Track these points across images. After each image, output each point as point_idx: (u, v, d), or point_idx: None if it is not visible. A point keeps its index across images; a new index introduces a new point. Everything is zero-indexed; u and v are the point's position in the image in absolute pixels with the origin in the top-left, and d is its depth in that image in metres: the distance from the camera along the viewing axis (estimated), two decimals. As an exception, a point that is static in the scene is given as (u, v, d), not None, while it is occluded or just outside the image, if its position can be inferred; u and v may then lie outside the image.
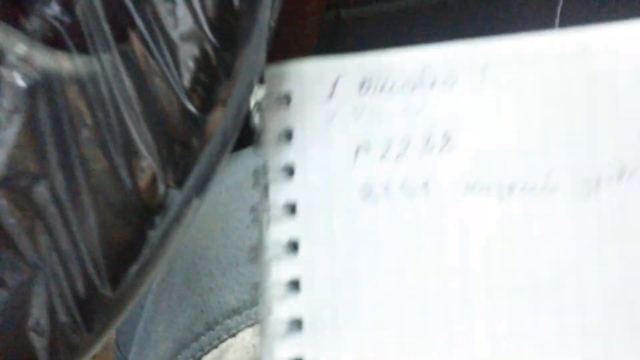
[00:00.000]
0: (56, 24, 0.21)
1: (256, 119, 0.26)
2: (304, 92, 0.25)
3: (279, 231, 0.25)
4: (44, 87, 0.21)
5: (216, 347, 0.36)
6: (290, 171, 0.25)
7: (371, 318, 0.24)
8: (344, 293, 0.25)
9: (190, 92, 0.22)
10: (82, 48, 0.21)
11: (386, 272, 0.25)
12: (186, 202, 0.24)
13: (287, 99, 0.25)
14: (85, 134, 0.22)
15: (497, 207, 0.24)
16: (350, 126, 0.25)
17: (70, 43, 0.21)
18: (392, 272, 0.24)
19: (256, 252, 0.25)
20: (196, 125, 0.23)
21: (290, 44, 0.48)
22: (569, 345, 0.24)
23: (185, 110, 0.22)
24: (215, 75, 0.23)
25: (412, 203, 0.24)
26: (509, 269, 0.24)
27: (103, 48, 0.22)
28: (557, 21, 0.54)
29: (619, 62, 0.24)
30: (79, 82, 0.22)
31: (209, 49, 0.22)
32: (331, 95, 0.25)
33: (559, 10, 0.50)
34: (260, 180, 0.26)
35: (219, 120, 0.23)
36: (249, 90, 0.24)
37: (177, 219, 0.24)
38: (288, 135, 0.25)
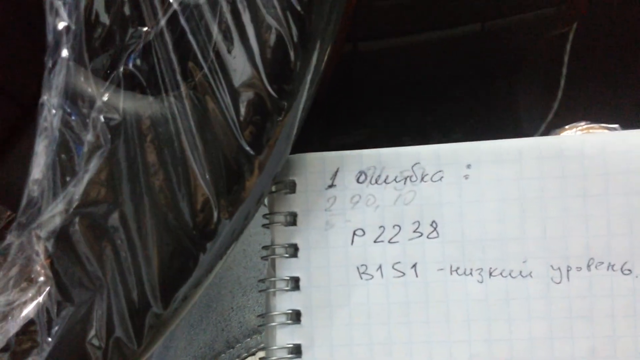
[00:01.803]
0: (135, 71, 0.24)
1: (266, 201, 0.29)
2: (308, 181, 0.29)
3: (283, 302, 0.28)
4: (124, 127, 0.24)
5: (236, 363, 0.38)
6: (294, 250, 0.29)
7: None
8: (339, 358, 0.28)
9: (244, 131, 0.25)
10: (156, 91, 0.24)
11: (377, 340, 0.28)
12: (234, 231, 0.27)
13: (292, 186, 0.29)
14: (153, 168, 0.25)
15: (478, 288, 0.27)
16: (348, 212, 0.28)
17: (147, 87, 0.24)
18: (382, 341, 0.28)
19: (263, 319, 0.29)
20: (248, 162, 0.25)
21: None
22: None
23: (240, 147, 0.25)
24: (267, 118, 0.25)
25: (402, 281, 0.28)
26: (488, 342, 0.27)
27: (173, 91, 0.24)
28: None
29: (589, 165, 0.27)
30: (152, 121, 0.24)
31: (264, 95, 0.25)
32: (331, 184, 0.28)
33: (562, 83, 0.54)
34: (269, 256, 0.29)
35: (267, 159, 0.26)
36: (289, 141, 0.27)
37: (225, 246, 0.27)
38: (293, 218, 0.29)
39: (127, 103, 0.24)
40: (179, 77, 0.24)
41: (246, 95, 0.25)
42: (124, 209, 0.24)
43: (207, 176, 0.25)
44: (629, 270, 0.27)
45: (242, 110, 0.25)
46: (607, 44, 0.61)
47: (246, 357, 0.38)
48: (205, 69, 0.24)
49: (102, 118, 0.24)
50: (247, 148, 0.25)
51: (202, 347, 0.40)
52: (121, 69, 0.24)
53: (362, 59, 0.53)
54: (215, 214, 0.26)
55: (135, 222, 0.25)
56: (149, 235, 0.25)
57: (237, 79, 0.25)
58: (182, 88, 0.24)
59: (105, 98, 0.24)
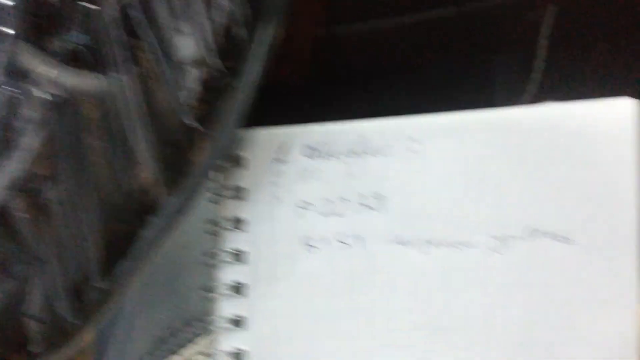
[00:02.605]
0: (80, 47, 0.24)
1: (214, 176, 0.29)
2: (256, 155, 0.29)
3: (228, 274, 0.28)
4: (67, 102, 0.24)
5: (194, 342, 0.38)
6: (240, 223, 0.29)
7: (308, 352, 0.28)
8: (284, 329, 0.28)
9: (190, 108, 0.25)
10: (101, 68, 0.24)
11: (321, 311, 0.28)
12: (179, 208, 0.27)
13: (240, 160, 0.29)
14: (95, 142, 0.24)
15: (421, 259, 0.28)
16: (295, 186, 0.28)
17: (91, 64, 0.24)
18: (326, 311, 0.28)
19: (207, 290, 0.29)
20: (194, 138, 0.25)
21: (284, 60, 0.50)
22: None
23: (185, 124, 0.25)
24: (214, 94, 0.25)
25: (347, 253, 0.28)
26: (429, 311, 0.27)
27: (117, 68, 0.24)
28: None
29: (529, 137, 0.27)
30: (96, 97, 0.24)
31: (210, 71, 0.25)
32: (279, 158, 0.29)
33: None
34: (214, 228, 0.29)
35: (214, 136, 0.26)
36: (239, 116, 0.26)
37: (169, 222, 0.27)
38: (240, 192, 0.29)
39: (71, 79, 0.24)
40: (124, 54, 0.24)
41: (193, 71, 0.25)
42: (64, 184, 0.24)
43: (151, 151, 0.25)
44: (567, 239, 0.27)
45: (188, 86, 0.25)
46: (586, 25, 0.61)
47: (204, 335, 0.38)
48: (152, 45, 0.24)
49: (45, 94, 0.23)
50: (193, 124, 0.25)
51: (161, 326, 0.40)
52: (65, 45, 0.23)
53: (339, 42, 0.53)
54: (159, 189, 0.25)
55: (76, 197, 0.25)
56: (89, 210, 0.25)
57: (184, 55, 0.25)
58: (128, 65, 0.24)
59: (48, 74, 0.23)
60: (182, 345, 0.38)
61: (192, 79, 0.24)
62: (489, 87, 0.60)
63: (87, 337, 0.28)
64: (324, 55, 0.52)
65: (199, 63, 0.24)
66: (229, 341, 0.28)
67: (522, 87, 0.61)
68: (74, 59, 0.24)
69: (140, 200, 0.26)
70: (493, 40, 0.59)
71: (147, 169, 0.25)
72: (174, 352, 0.39)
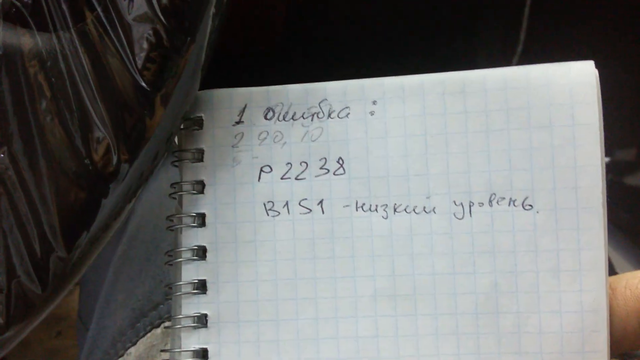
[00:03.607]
0: (17, 3, 0.23)
1: (173, 139, 0.28)
2: (215, 117, 0.28)
3: (189, 238, 0.28)
4: (6, 61, 0.23)
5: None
6: (202, 186, 0.28)
7: (268, 316, 0.28)
8: (245, 294, 0.28)
9: (142, 69, 0.24)
10: (43, 26, 0.23)
11: (283, 276, 0.28)
12: (138, 174, 0.26)
13: (200, 123, 0.28)
14: (43, 105, 0.24)
15: (382, 224, 0.27)
16: (255, 149, 0.28)
17: (31, 21, 0.23)
18: (288, 276, 0.28)
19: (171, 256, 0.28)
20: (147, 100, 0.25)
21: (255, 24, 0.50)
22: (442, 346, 0.27)
23: (137, 86, 0.24)
24: (166, 54, 0.24)
25: (308, 217, 0.28)
26: (392, 277, 0.27)
27: (62, 27, 0.23)
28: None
29: (490, 100, 0.27)
30: (39, 57, 0.23)
31: (160, 30, 0.24)
32: (239, 120, 0.28)
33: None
34: (177, 193, 0.28)
35: (169, 97, 0.25)
36: (195, 77, 0.26)
37: (130, 189, 0.26)
38: (200, 155, 0.28)
39: (7, 36, 0.23)
40: (67, 10, 0.23)
41: (141, 30, 0.24)
42: (11, 147, 0.24)
43: (104, 116, 0.24)
44: (530, 205, 0.26)
45: (138, 46, 0.24)
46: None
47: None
48: (97, 3, 0.23)
49: None
50: (145, 85, 0.24)
51: (140, 299, 0.40)
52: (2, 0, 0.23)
53: (313, 9, 0.52)
54: (115, 155, 0.25)
55: (27, 161, 0.24)
56: (43, 176, 0.24)
57: (131, 13, 0.24)
58: (72, 23, 0.23)
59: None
60: (162, 319, 0.38)
61: (143, 38, 0.24)
62: (472, 60, 0.60)
63: (52, 308, 0.27)
64: (297, 18, 0.51)
65: (149, 21, 0.24)
66: (191, 306, 0.28)
67: (506, 60, 0.60)
68: (9, 14, 0.23)
69: (100, 167, 0.25)
70: (475, 11, 0.58)
71: (103, 133, 0.24)
72: (155, 327, 0.39)
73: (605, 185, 0.26)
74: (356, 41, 0.54)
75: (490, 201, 0.27)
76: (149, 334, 0.39)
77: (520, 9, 0.60)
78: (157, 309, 0.39)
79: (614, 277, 0.27)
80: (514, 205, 0.26)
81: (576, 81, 0.26)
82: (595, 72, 0.26)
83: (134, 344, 0.39)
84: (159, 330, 0.39)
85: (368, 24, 0.54)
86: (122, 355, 0.39)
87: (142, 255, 0.42)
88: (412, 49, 0.55)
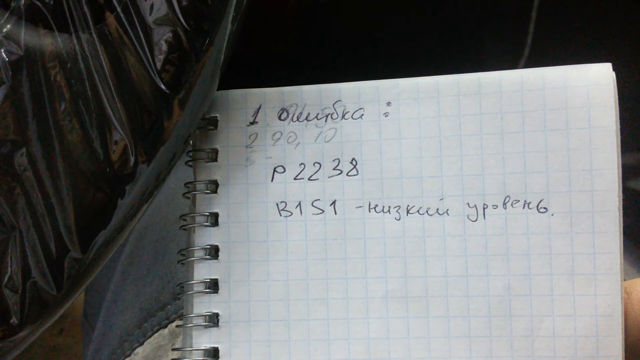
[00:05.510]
0: (39, 4, 0.23)
1: (189, 139, 0.28)
2: (229, 117, 0.28)
3: (202, 237, 0.28)
4: (27, 62, 0.23)
5: (181, 316, 0.38)
6: (215, 186, 0.28)
7: (279, 316, 0.28)
8: (256, 294, 0.28)
9: (161, 71, 0.24)
10: (63, 27, 0.23)
11: (295, 276, 0.28)
12: (155, 175, 0.26)
13: (214, 123, 0.28)
14: (62, 106, 0.24)
15: (395, 225, 0.27)
16: (269, 149, 0.28)
17: (52, 22, 0.23)
18: (300, 277, 0.28)
19: (184, 255, 0.29)
20: (166, 102, 0.25)
21: (270, 26, 0.50)
22: (454, 348, 0.27)
23: (156, 87, 0.24)
24: (185, 56, 0.24)
25: (320, 218, 0.28)
26: (404, 279, 0.27)
27: (82, 27, 0.23)
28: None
29: (506, 102, 0.27)
30: (59, 58, 0.23)
31: (180, 32, 0.24)
32: (253, 121, 0.28)
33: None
34: (190, 192, 0.29)
35: (187, 99, 0.25)
36: (213, 80, 0.26)
37: (146, 190, 0.26)
38: (215, 155, 0.28)
39: (28, 37, 0.23)
40: (88, 12, 0.23)
41: (161, 32, 0.24)
42: (30, 148, 0.24)
43: (122, 117, 0.24)
44: (545, 208, 0.27)
45: (157, 47, 0.24)
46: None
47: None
48: (118, 4, 0.23)
49: (1, 52, 0.23)
50: (164, 87, 0.24)
51: (148, 299, 0.40)
52: (23, 0, 0.23)
53: (323, 10, 0.52)
54: (132, 157, 0.25)
55: (45, 163, 0.24)
56: (61, 177, 0.24)
57: (152, 15, 0.24)
58: (93, 24, 0.23)
59: (4, 30, 0.23)
60: (170, 319, 0.38)
61: (162, 40, 0.24)
62: (480, 60, 0.60)
63: (66, 307, 0.27)
64: (308, 21, 0.51)
65: (169, 23, 0.24)
66: (203, 305, 0.28)
67: (514, 61, 0.60)
68: (31, 15, 0.23)
69: (115, 168, 0.25)
70: (484, 11, 0.58)
71: (121, 135, 0.24)
72: (163, 327, 0.39)
73: (621, 189, 0.26)
74: (367, 44, 0.54)
75: (504, 203, 0.27)
76: (156, 335, 0.39)
77: (528, 13, 0.60)
78: (165, 309, 0.39)
79: (628, 282, 0.27)
80: (529, 208, 0.26)
81: (593, 83, 0.26)
82: (613, 74, 0.26)
83: (141, 344, 0.39)
84: (166, 331, 0.39)
85: (380, 27, 0.54)
86: (129, 355, 0.39)
87: (150, 255, 0.42)
88: (423, 52, 0.55)
